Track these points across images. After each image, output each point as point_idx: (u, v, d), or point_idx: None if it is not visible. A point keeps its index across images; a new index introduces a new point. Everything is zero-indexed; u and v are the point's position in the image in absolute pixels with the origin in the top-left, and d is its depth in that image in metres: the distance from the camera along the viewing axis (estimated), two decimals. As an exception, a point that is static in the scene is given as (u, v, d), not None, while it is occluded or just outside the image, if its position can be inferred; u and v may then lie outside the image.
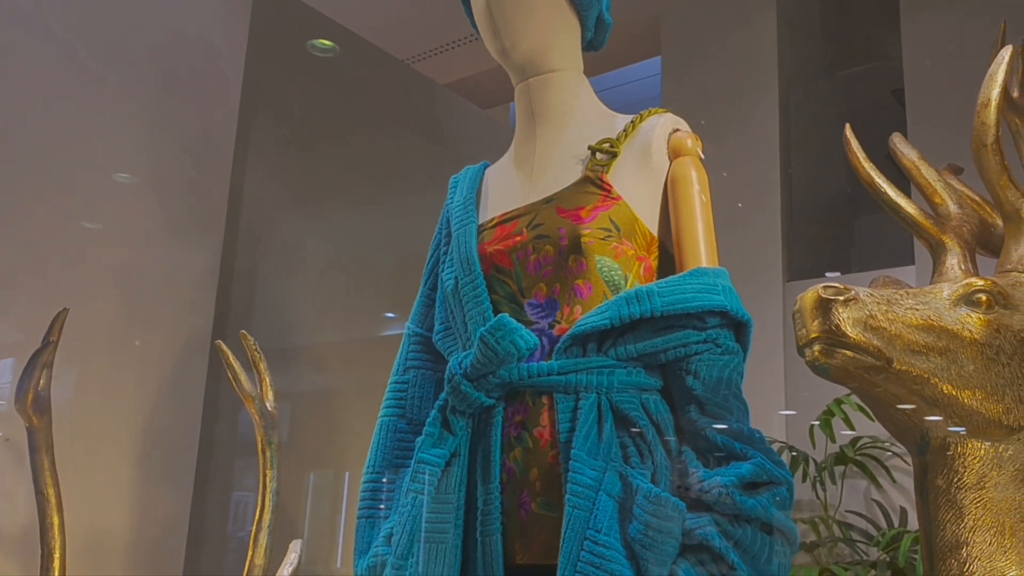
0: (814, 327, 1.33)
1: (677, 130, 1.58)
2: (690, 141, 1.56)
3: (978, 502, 1.32)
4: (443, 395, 1.49)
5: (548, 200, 1.55)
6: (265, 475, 1.69)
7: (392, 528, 1.50)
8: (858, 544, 3.08)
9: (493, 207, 1.64)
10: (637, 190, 1.54)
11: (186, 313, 2.75)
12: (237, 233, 3.01)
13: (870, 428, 3.08)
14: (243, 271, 3.05)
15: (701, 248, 1.48)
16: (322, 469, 3.40)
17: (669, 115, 1.61)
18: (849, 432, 3.14)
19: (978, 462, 1.34)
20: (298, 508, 3.21)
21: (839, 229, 3.85)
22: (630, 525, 1.30)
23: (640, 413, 1.40)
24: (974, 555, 1.30)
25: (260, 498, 1.66)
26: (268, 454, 1.68)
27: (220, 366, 2.12)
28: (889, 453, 3.16)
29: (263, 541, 1.61)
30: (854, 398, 2.96)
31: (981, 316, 1.35)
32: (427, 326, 1.68)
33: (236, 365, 1.69)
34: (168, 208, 2.80)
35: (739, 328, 1.44)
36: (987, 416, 1.33)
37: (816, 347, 1.33)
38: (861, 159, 1.61)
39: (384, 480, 1.58)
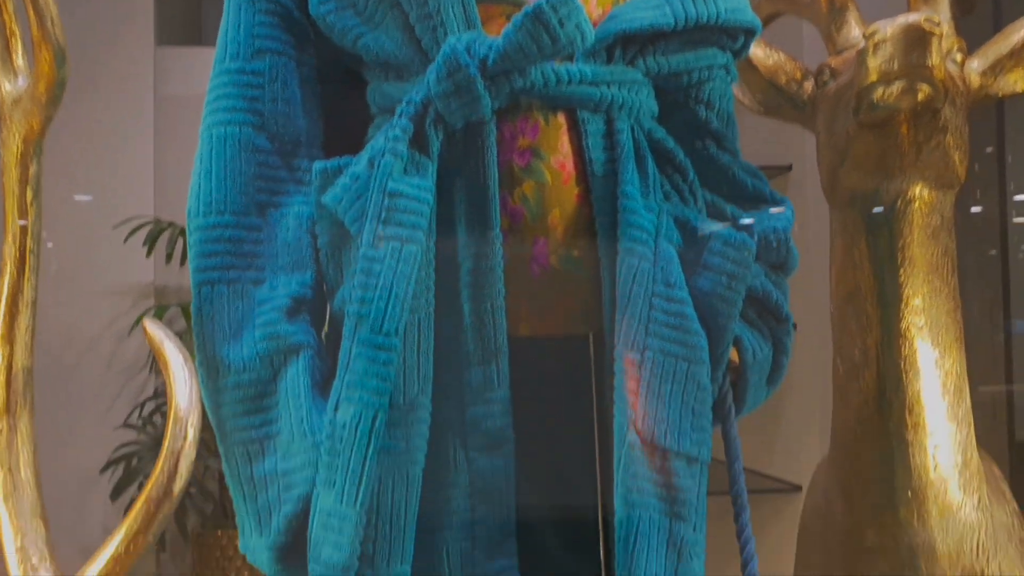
0: (908, 62, 1.14)
1: None
2: None
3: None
4: (414, 96, 0.98)
5: None
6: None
7: (299, 292, 1.01)
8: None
9: None
10: None
11: None
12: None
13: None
14: None
15: None
16: None
17: None
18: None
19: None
20: None
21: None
22: (699, 278, 1.03)
23: (675, 145, 1.09)
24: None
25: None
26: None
27: None
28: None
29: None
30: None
31: None
32: None
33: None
34: None
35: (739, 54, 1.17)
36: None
37: (900, 84, 1.16)
38: None
39: (244, 224, 1.04)
